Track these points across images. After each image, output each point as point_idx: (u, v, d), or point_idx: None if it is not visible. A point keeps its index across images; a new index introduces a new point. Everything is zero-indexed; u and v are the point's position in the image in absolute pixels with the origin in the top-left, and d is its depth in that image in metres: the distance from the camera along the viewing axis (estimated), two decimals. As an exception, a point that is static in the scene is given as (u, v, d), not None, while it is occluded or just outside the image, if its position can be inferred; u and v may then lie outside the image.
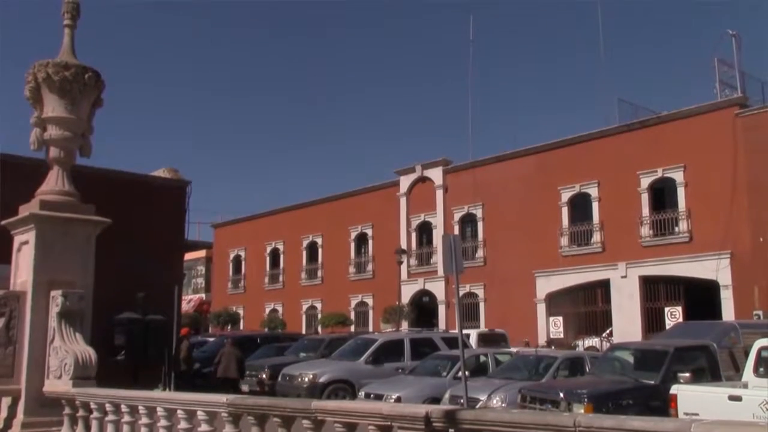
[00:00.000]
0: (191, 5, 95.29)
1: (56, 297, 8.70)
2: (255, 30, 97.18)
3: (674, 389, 10.82)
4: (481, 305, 34.98)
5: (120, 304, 17.17)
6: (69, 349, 8.50)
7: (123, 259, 18.16)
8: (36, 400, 8.66)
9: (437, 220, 37.60)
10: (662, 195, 29.85)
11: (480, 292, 35.02)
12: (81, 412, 8.29)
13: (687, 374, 11.46)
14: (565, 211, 32.33)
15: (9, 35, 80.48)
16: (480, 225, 35.81)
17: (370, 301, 40.65)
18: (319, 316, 42.04)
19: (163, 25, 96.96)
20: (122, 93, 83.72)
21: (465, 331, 21.05)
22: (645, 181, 29.72)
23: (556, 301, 32.20)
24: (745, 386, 11.02)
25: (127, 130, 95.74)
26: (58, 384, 8.54)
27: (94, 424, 8.10)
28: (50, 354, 8.74)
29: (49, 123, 9.20)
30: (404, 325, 34.45)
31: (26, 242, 9.10)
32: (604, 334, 29.31)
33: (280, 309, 46.27)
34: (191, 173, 78.99)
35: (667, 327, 24.74)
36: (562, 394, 12.19)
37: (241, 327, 46.28)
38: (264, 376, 20.01)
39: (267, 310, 46.84)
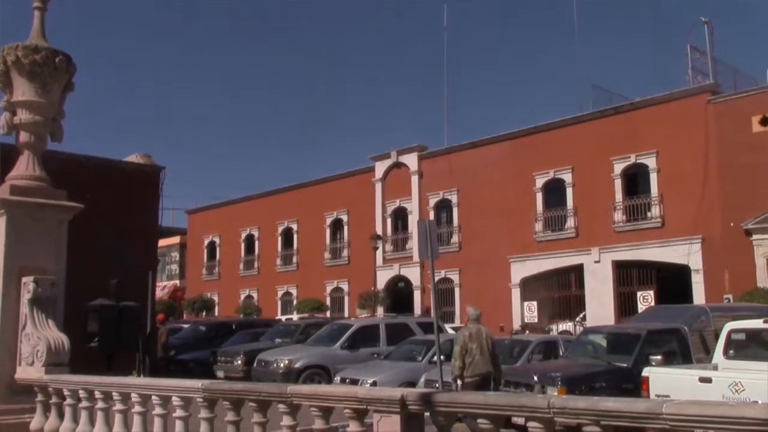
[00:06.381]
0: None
1: (28, 283, 8.59)
2: (230, 13, 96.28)
3: (646, 372, 10.94)
4: (457, 290, 35.14)
5: (93, 291, 16.93)
6: (41, 335, 8.41)
7: (96, 245, 17.95)
8: (8, 387, 8.56)
9: (412, 206, 37.64)
10: (635, 181, 30.14)
11: (455, 278, 35.17)
12: (54, 399, 8.22)
13: (659, 357, 11.60)
14: (539, 196, 32.53)
15: (-23, 18, 78.85)
16: (455, 210, 35.93)
17: (345, 286, 40.66)
18: (295, 302, 42.01)
19: (132, 9, 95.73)
20: (94, 77, 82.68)
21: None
22: (618, 167, 29.97)
23: (530, 286, 32.44)
24: (715, 368, 11.18)
25: (99, 116, 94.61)
26: (30, 371, 8.45)
27: (67, 411, 8.04)
28: (22, 341, 8.64)
29: (18, 107, 9.04)
30: (380, 311, 34.53)
31: (-4, 228, 8.96)
32: (577, 318, 29.64)
33: (255, 295, 46.14)
34: (164, 159, 78.31)
35: (640, 311, 25.03)
36: (536, 378, 12.30)
37: (216, 313, 46.12)
38: (239, 361, 19.98)
39: (242, 297, 46.69)
